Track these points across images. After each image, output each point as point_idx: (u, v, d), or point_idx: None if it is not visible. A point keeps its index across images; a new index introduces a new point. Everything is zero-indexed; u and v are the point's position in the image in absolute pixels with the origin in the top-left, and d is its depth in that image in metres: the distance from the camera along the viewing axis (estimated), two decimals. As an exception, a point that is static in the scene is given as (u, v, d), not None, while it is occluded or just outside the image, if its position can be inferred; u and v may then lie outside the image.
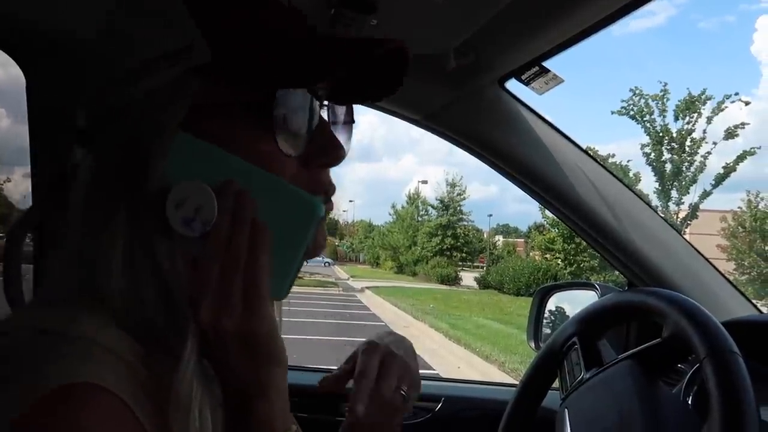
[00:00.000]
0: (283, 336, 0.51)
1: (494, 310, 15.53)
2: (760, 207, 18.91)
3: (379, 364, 0.72)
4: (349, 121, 0.59)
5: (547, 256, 25.17)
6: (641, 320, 1.16)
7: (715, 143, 18.35)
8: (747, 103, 19.24)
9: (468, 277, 29.35)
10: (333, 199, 0.55)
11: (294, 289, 0.52)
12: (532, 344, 1.42)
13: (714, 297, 1.20)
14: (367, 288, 20.98)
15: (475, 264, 37.58)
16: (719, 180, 17.87)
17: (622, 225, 1.20)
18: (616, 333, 1.22)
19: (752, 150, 17.76)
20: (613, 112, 18.89)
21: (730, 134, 17.92)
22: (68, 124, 1.07)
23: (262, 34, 0.47)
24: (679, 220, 18.56)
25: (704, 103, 18.13)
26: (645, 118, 18.54)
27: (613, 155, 19.91)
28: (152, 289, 0.46)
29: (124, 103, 0.48)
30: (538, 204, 1.37)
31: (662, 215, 1.33)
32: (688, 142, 18.38)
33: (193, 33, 0.47)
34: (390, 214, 41.02)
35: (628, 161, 21.59)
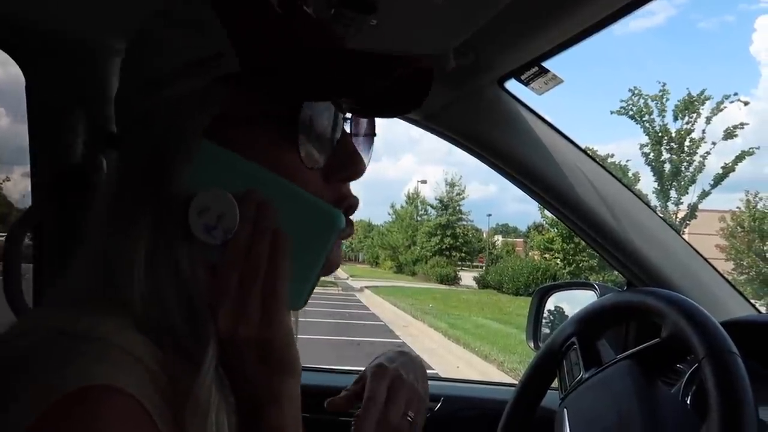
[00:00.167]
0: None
1: (493, 310, 15.53)
2: (758, 207, 18.92)
3: (387, 389, 0.71)
4: (371, 134, 0.60)
5: (546, 255, 25.16)
6: (640, 320, 1.16)
7: (714, 143, 18.35)
8: (746, 103, 19.24)
9: (467, 277, 29.32)
10: None
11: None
12: (531, 344, 1.42)
13: (713, 297, 1.20)
14: (367, 287, 20.99)
15: (474, 264, 37.55)
16: (718, 180, 17.87)
17: (621, 225, 1.20)
18: (615, 333, 1.22)
19: (751, 150, 17.77)
20: (612, 112, 18.88)
21: (729, 134, 17.91)
22: (68, 124, 1.08)
23: (291, 45, 0.48)
24: (677, 220, 18.56)
25: (703, 103, 18.12)
26: (644, 118, 18.53)
27: (612, 155, 19.92)
28: (173, 294, 0.47)
29: (151, 108, 0.49)
30: (537, 204, 1.37)
31: (661, 215, 1.33)
32: (687, 142, 18.36)
33: (222, 42, 0.48)
34: (389, 214, 41.01)
35: (627, 161, 21.59)
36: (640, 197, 1.30)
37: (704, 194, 18.34)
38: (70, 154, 1.07)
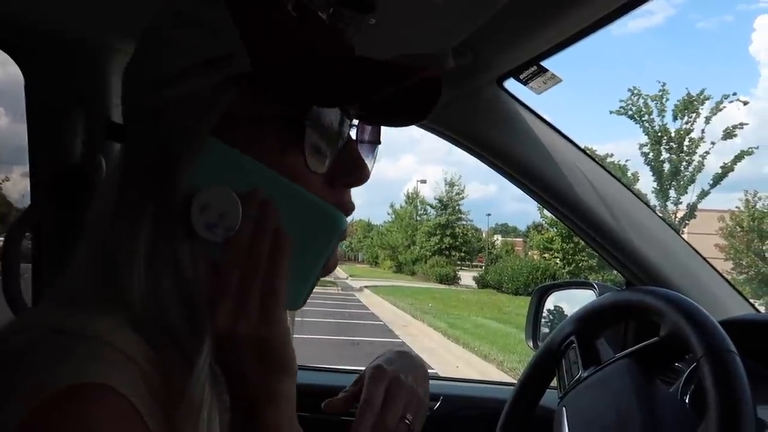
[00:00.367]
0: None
1: (493, 310, 15.53)
2: (757, 207, 18.94)
3: (384, 392, 0.69)
4: (375, 141, 0.60)
5: (546, 255, 25.17)
6: (639, 319, 1.16)
7: (713, 143, 18.37)
8: (745, 103, 19.30)
9: (466, 277, 29.32)
10: None
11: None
12: (531, 343, 1.42)
13: (712, 296, 1.20)
14: (366, 287, 21.00)
15: (473, 263, 37.55)
16: (717, 180, 17.88)
17: (620, 224, 1.20)
18: (614, 332, 1.22)
19: (750, 150, 17.79)
20: (611, 112, 18.91)
21: (729, 134, 17.92)
22: (67, 124, 1.08)
23: (303, 49, 0.48)
24: (677, 219, 18.57)
25: (703, 103, 18.13)
26: (643, 118, 18.54)
27: (612, 155, 19.94)
28: (172, 290, 0.47)
29: (159, 105, 0.49)
30: (536, 203, 1.37)
31: (660, 215, 1.34)
32: (686, 142, 18.37)
33: (233, 42, 0.48)
34: (389, 214, 41.00)
35: (626, 161, 21.63)
36: (640, 197, 1.30)
37: (703, 194, 18.36)
38: (69, 154, 1.06)
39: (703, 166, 18.36)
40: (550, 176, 1.20)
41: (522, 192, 1.27)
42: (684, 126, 18.40)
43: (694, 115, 18.24)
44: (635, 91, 18.57)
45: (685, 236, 1.49)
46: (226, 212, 0.47)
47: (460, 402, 1.43)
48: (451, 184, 34.81)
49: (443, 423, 1.38)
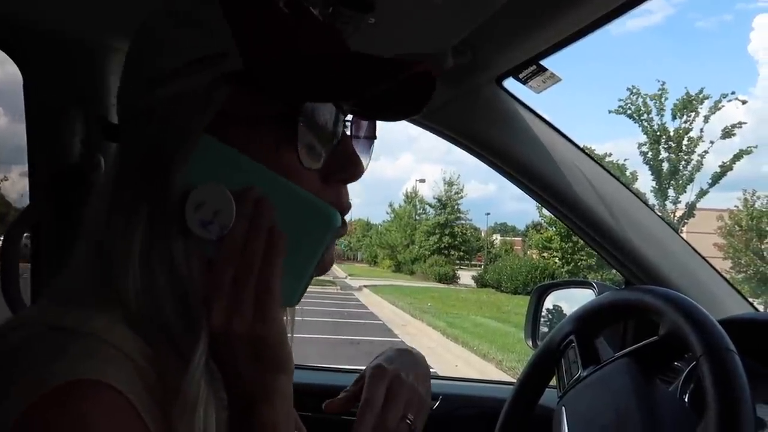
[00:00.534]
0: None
1: (492, 309, 15.54)
2: (756, 206, 18.96)
3: (385, 392, 0.69)
4: (371, 136, 0.60)
5: (545, 254, 25.19)
6: (638, 318, 1.16)
7: (712, 142, 18.37)
8: (744, 102, 19.32)
9: (466, 276, 29.32)
10: None
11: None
12: (530, 342, 1.42)
13: (711, 295, 1.20)
14: (365, 286, 21.00)
15: (472, 262, 37.55)
16: (716, 179, 17.89)
17: (619, 224, 1.20)
18: (613, 331, 1.22)
19: (749, 149, 17.80)
20: (610, 111, 18.89)
21: (727, 133, 17.92)
22: (66, 123, 1.07)
23: (296, 46, 0.48)
24: (676, 218, 18.58)
25: (702, 102, 18.13)
26: (642, 117, 18.53)
27: (610, 154, 20.00)
28: (167, 288, 0.47)
29: (153, 103, 0.49)
30: (535, 203, 1.37)
31: (659, 214, 1.34)
32: (685, 141, 18.37)
33: (226, 40, 0.48)
34: (388, 213, 41.00)
35: (625, 160, 21.68)
36: (639, 196, 1.30)
37: (702, 193, 18.37)
38: (68, 154, 1.06)
39: (702, 165, 18.37)
40: (549, 175, 1.20)
41: (521, 191, 1.27)
42: (683, 125, 18.41)
43: (693, 114, 18.24)
44: (634, 90, 18.57)
45: (683, 235, 1.49)
46: (221, 210, 0.47)
47: (459, 401, 1.43)
48: (450, 184, 34.81)
49: (442, 422, 1.38)
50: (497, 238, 43.91)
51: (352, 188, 0.57)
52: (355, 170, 0.55)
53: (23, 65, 1.10)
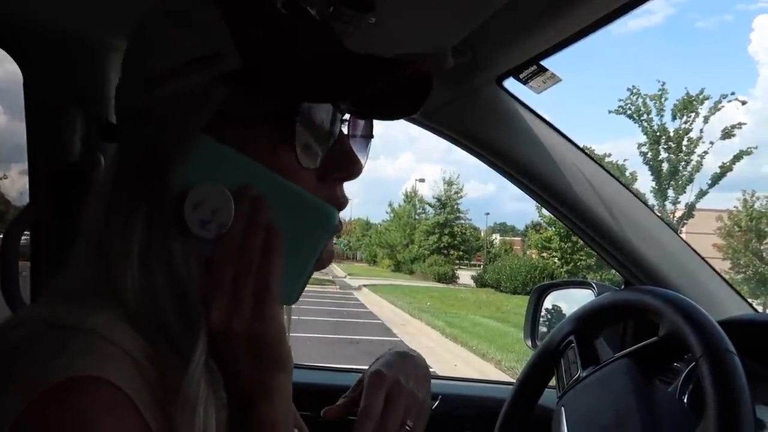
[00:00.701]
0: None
1: (491, 309, 15.54)
2: (755, 206, 18.97)
3: (384, 398, 0.68)
4: (368, 135, 0.60)
5: (544, 254, 25.20)
6: (638, 319, 1.16)
7: (711, 143, 18.35)
8: (744, 103, 19.27)
9: (465, 276, 29.32)
10: None
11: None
12: (529, 342, 1.42)
13: (710, 296, 1.20)
14: (365, 286, 20.96)
15: (472, 262, 37.55)
16: (716, 179, 17.88)
17: (618, 224, 1.20)
18: (613, 331, 1.22)
19: (749, 150, 17.79)
20: (610, 111, 18.89)
21: (727, 134, 17.91)
22: (66, 122, 1.07)
23: (293, 46, 0.48)
24: (675, 219, 18.57)
25: (702, 103, 18.11)
26: (642, 118, 18.53)
27: (610, 154, 20.01)
28: (166, 287, 0.47)
29: (151, 103, 0.49)
30: (535, 203, 1.37)
31: (659, 214, 1.34)
32: (685, 142, 18.36)
33: (224, 40, 0.48)
34: (387, 213, 41.03)
35: (624, 160, 21.70)
36: (638, 196, 1.30)
37: (702, 194, 18.36)
38: (68, 152, 1.06)
39: (702, 165, 18.37)
40: (549, 175, 1.20)
41: (521, 191, 1.27)
42: (683, 126, 18.39)
43: (693, 114, 18.23)
44: (634, 91, 18.55)
45: (683, 236, 1.49)
46: (219, 209, 0.47)
47: (459, 401, 1.43)
48: (450, 183, 34.81)
49: (441, 422, 1.38)
50: (497, 238, 43.94)
51: (352, 187, 0.57)
52: (352, 169, 0.55)
53: (23, 64, 1.10)
